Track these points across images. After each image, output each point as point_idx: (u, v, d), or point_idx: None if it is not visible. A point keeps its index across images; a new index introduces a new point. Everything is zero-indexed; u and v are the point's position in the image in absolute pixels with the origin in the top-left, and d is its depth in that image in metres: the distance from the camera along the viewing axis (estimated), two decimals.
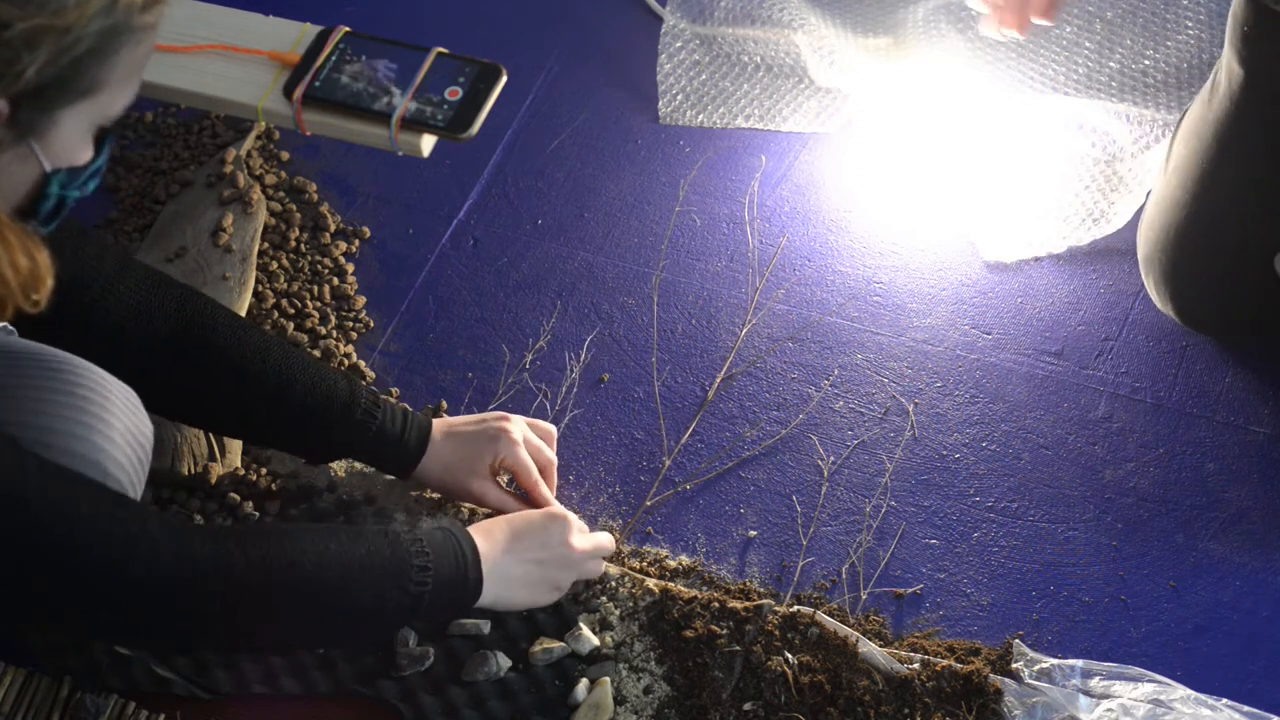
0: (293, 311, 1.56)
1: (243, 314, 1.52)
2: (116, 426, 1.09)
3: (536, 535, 1.25)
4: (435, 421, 1.34)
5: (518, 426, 1.34)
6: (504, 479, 1.36)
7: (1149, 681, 1.26)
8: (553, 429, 1.41)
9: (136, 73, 0.95)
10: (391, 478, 1.39)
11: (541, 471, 1.35)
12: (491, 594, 1.21)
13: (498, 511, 1.33)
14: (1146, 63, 1.72)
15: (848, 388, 1.51)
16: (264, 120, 1.37)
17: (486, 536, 1.22)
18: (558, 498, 1.36)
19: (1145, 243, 1.49)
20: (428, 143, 1.32)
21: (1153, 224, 1.47)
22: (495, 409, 1.49)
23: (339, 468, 1.41)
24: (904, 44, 1.77)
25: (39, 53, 0.85)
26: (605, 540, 1.31)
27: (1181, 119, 1.47)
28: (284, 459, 1.42)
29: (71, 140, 0.93)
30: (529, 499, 1.34)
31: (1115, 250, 1.60)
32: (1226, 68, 1.38)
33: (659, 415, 1.50)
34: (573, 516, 1.29)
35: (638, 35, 1.85)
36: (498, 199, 1.70)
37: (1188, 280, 1.46)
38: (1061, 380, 1.51)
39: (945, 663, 1.26)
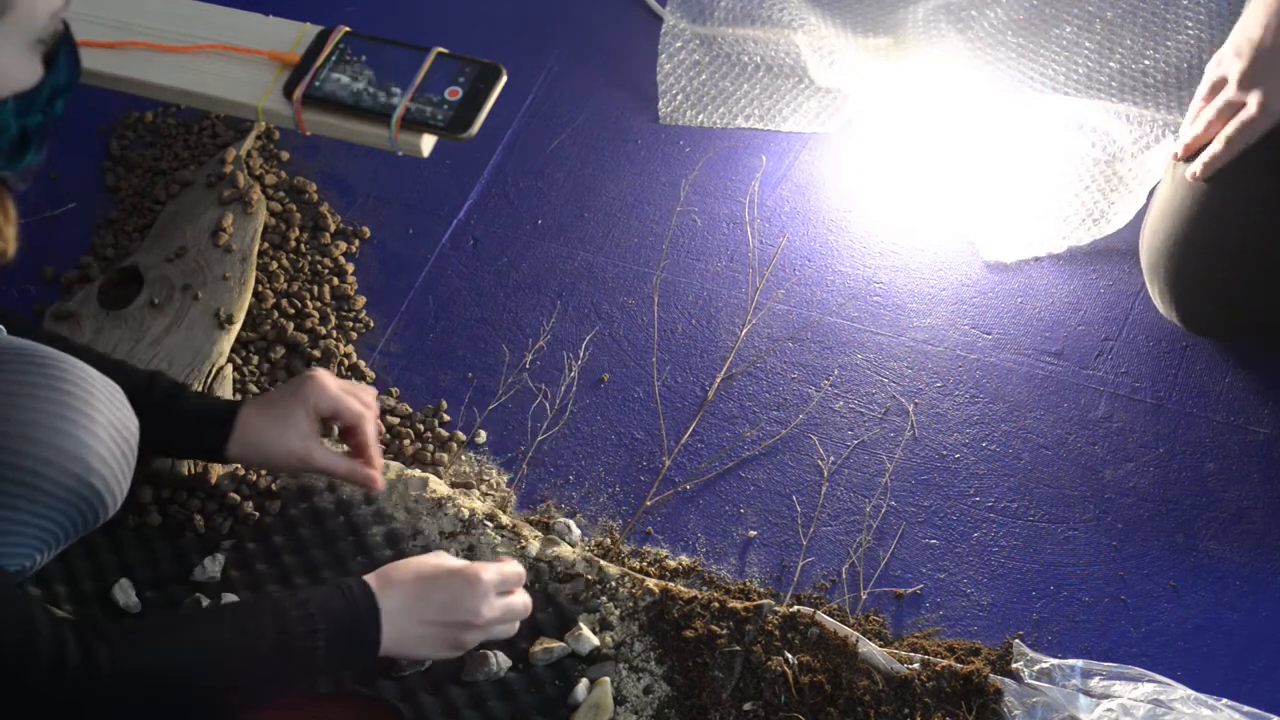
0: (293, 311, 1.56)
1: (243, 314, 1.52)
2: (100, 421, 1.09)
3: (444, 596, 1.18)
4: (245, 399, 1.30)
5: (325, 373, 1.28)
6: (332, 443, 1.32)
7: (1149, 681, 1.26)
8: (370, 387, 1.34)
9: None
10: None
11: (358, 422, 1.28)
12: (389, 647, 1.17)
13: (328, 474, 1.28)
14: (1146, 63, 1.72)
15: (848, 388, 1.51)
16: (264, 120, 1.37)
17: (388, 589, 1.17)
18: (540, 494, 1.36)
19: (1150, 249, 1.49)
20: (428, 143, 1.32)
21: (1158, 231, 1.47)
22: (495, 409, 1.50)
23: None
24: (904, 44, 1.77)
25: None
26: (519, 605, 1.23)
27: (1185, 123, 1.47)
28: None
29: (6, 65, 0.90)
30: (357, 452, 1.29)
31: (1115, 250, 1.60)
32: None
33: (659, 415, 1.50)
34: (491, 573, 1.21)
35: (638, 35, 1.85)
36: (498, 199, 1.70)
37: (1193, 287, 1.46)
38: (1061, 380, 1.51)
39: (945, 663, 1.26)
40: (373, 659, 1.17)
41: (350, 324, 1.57)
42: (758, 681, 1.25)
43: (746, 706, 1.24)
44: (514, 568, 1.24)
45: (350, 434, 1.30)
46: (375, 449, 1.30)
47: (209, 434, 1.25)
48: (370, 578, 1.18)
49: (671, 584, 1.33)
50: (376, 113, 1.31)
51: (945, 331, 1.55)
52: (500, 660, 1.27)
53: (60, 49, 0.94)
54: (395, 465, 1.42)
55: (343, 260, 1.63)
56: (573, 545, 1.38)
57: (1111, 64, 1.72)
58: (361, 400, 1.29)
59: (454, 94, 1.32)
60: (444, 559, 1.21)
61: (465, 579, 1.19)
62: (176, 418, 1.25)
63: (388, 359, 1.55)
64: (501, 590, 1.22)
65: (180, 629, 1.10)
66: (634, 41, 1.84)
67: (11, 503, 1.05)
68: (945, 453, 1.46)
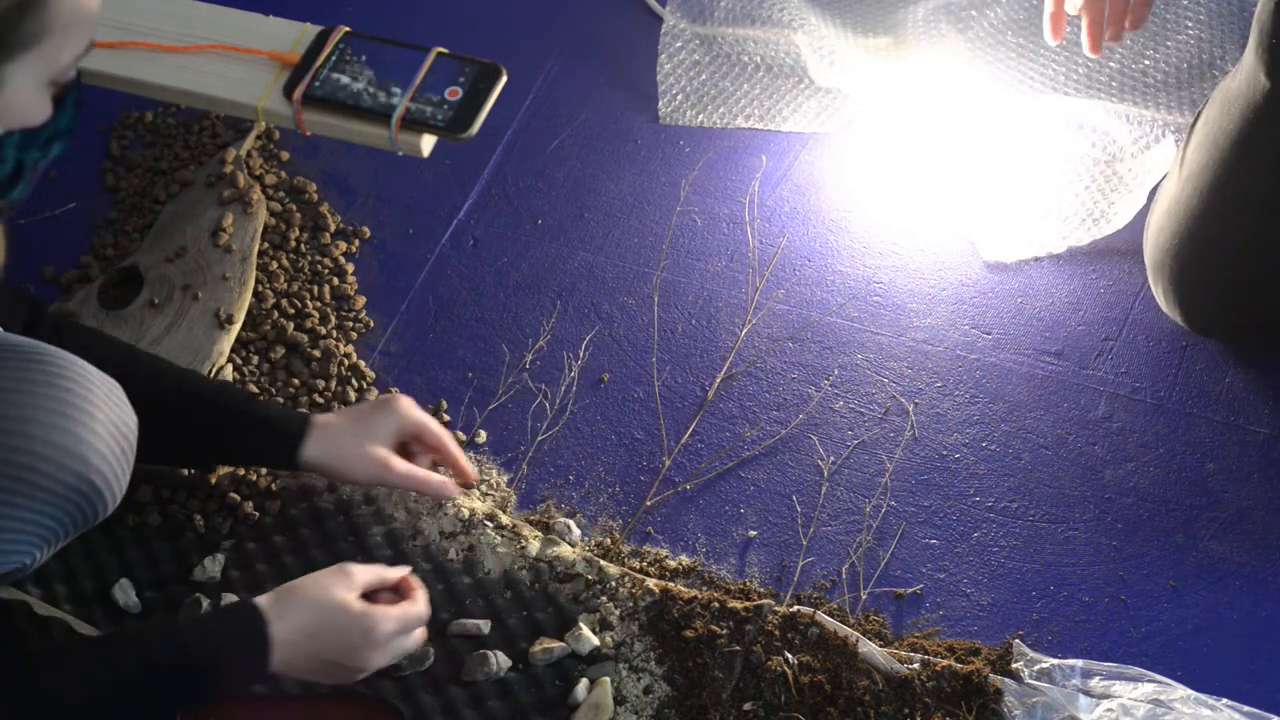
0: (293, 311, 1.56)
1: (243, 314, 1.52)
2: (99, 418, 1.09)
3: (338, 639, 1.16)
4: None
5: (407, 397, 1.31)
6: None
7: (1149, 681, 1.26)
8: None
9: (81, 19, 0.92)
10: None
11: (441, 440, 1.30)
12: (274, 669, 1.15)
13: (404, 487, 1.29)
14: (1146, 63, 1.72)
15: (848, 388, 1.51)
16: (264, 120, 1.37)
17: (283, 618, 1.14)
18: (540, 494, 1.36)
19: (1154, 248, 1.49)
20: (428, 143, 1.32)
21: (1163, 230, 1.47)
22: (495, 409, 1.50)
23: None
24: (904, 44, 1.77)
25: None
26: (410, 645, 1.22)
27: (1194, 124, 1.47)
28: None
29: (22, 98, 0.91)
30: (446, 465, 1.31)
31: (1115, 250, 1.60)
32: (1249, 77, 1.37)
33: (659, 415, 1.50)
34: (391, 624, 1.18)
35: (638, 35, 1.85)
36: (498, 199, 1.70)
37: (1197, 287, 1.46)
38: (1061, 380, 1.51)
39: (945, 663, 1.26)
40: (259, 681, 1.18)
41: (350, 324, 1.57)
42: (758, 681, 1.25)
43: (746, 706, 1.24)
44: (418, 611, 1.21)
45: (432, 453, 1.32)
46: (465, 459, 1.32)
47: (286, 438, 1.26)
48: (266, 602, 1.15)
49: (671, 584, 1.33)
50: (376, 113, 1.31)
51: (945, 331, 1.55)
52: (500, 660, 1.27)
53: (68, 94, 0.95)
54: None
55: (343, 260, 1.63)
56: (573, 545, 1.38)
57: (1111, 64, 1.72)
58: (436, 426, 1.31)
59: (454, 94, 1.32)
60: (347, 595, 1.17)
61: (363, 630, 1.16)
62: (252, 423, 1.26)
63: (388, 359, 1.55)
64: (400, 632, 1.20)
65: (61, 664, 1.09)
66: (634, 41, 1.84)
67: (10, 499, 1.05)
68: (945, 453, 1.46)
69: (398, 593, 1.23)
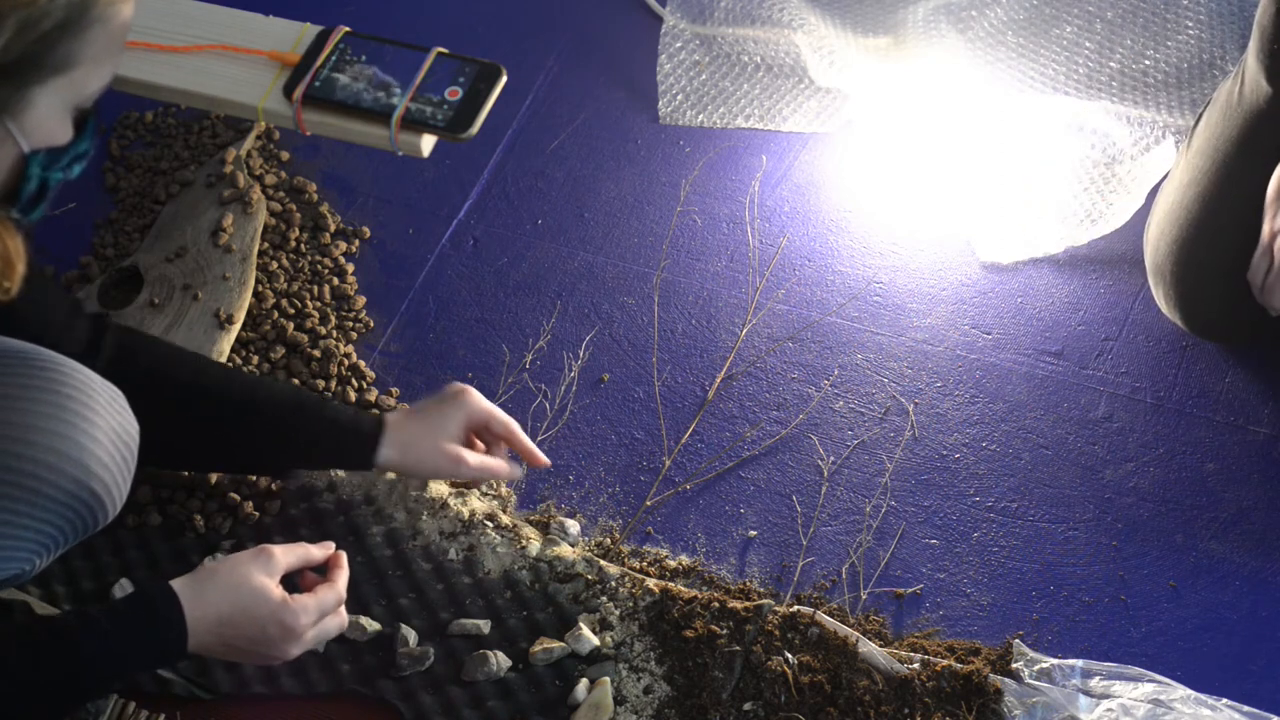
0: (293, 311, 1.56)
1: (243, 314, 1.52)
2: (101, 425, 1.09)
3: (254, 632, 1.14)
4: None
5: (473, 390, 1.32)
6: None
7: (1149, 681, 1.26)
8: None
9: (112, 50, 0.94)
10: (391, 477, 1.39)
11: (509, 429, 1.32)
12: (192, 649, 1.14)
13: (480, 475, 1.30)
14: (1146, 63, 1.72)
15: (848, 388, 1.51)
16: (264, 120, 1.37)
17: (199, 606, 1.12)
18: (540, 494, 1.36)
19: (1154, 251, 1.49)
20: (428, 143, 1.32)
21: (1164, 234, 1.47)
22: None
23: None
24: (904, 44, 1.77)
25: (5, 27, 0.85)
26: (333, 628, 1.20)
27: (1194, 128, 1.47)
28: None
29: (49, 120, 0.93)
30: (516, 454, 1.33)
31: (1115, 250, 1.60)
32: (1250, 82, 1.37)
33: (659, 415, 1.50)
34: (308, 617, 1.16)
35: (638, 35, 1.85)
36: (498, 199, 1.70)
37: (1197, 290, 1.46)
38: (1061, 380, 1.51)
39: (945, 663, 1.26)
40: (174, 664, 1.20)
41: (350, 324, 1.57)
42: (758, 681, 1.25)
43: (746, 706, 1.24)
44: (335, 595, 1.19)
45: (502, 441, 1.33)
46: (533, 445, 1.34)
47: (362, 441, 1.28)
48: (183, 586, 1.12)
49: (671, 584, 1.33)
50: (376, 113, 1.31)
51: (945, 331, 1.55)
52: (500, 660, 1.27)
53: (88, 120, 0.98)
54: None
55: (343, 260, 1.63)
56: (573, 545, 1.38)
57: (1111, 64, 1.72)
58: (503, 417, 1.33)
59: (454, 94, 1.32)
60: (266, 582, 1.15)
61: (279, 622, 1.14)
62: (328, 425, 1.27)
63: (388, 359, 1.55)
64: (318, 621, 1.18)
65: None
66: (634, 41, 1.84)
67: (11, 505, 1.05)
68: (945, 453, 1.46)
69: (325, 570, 1.22)
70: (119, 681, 1.22)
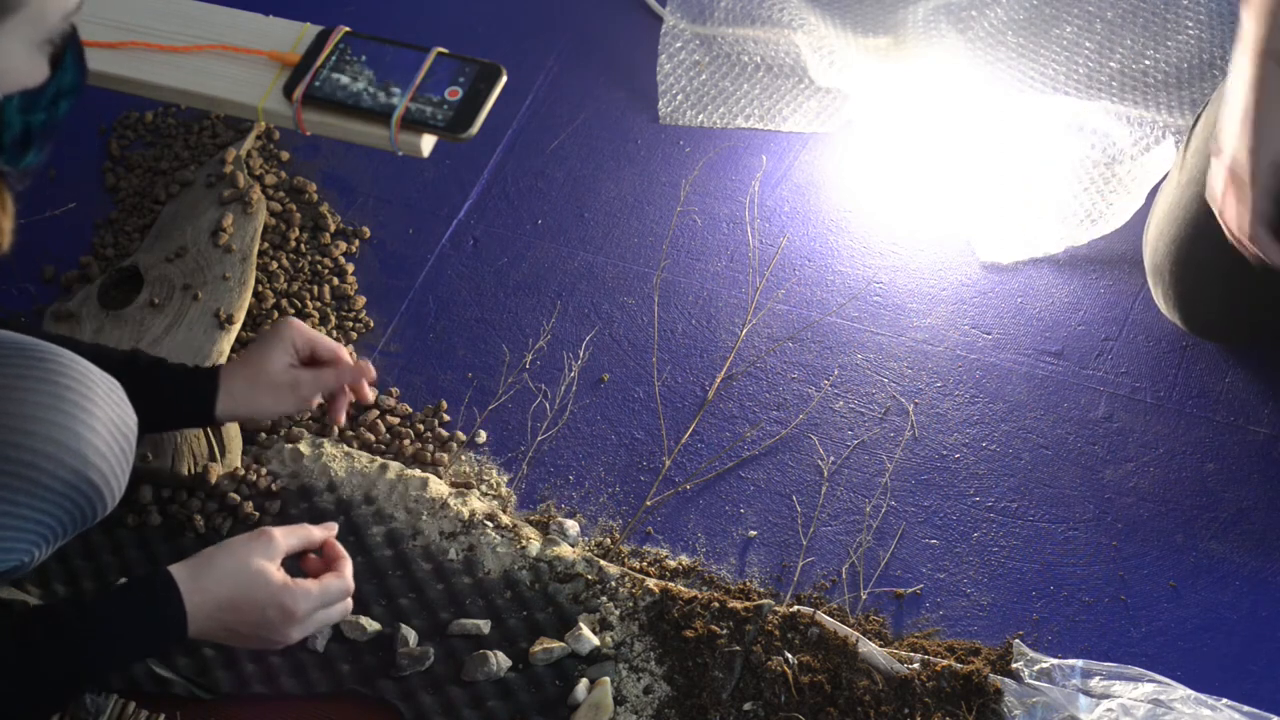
0: (293, 311, 1.56)
1: (243, 314, 1.52)
2: (99, 416, 1.09)
3: (255, 617, 1.14)
4: None
5: (296, 319, 1.31)
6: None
7: (1149, 681, 1.26)
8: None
9: None
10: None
11: (336, 353, 1.31)
12: (192, 635, 1.14)
13: (319, 396, 1.29)
14: (1147, 63, 1.72)
15: (848, 388, 1.51)
16: (264, 120, 1.37)
17: (198, 592, 1.12)
18: (540, 494, 1.35)
19: (1154, 252, 1.49)
20: (428, 143, 1.32)
21: (1163, 234, 1.47)
22: (495, 409, 1.50)
23: (339, 468, 1.41)
24: (904, 44, 1.77)
25: None
26: (336, 614, 1.20)
27: (1193, 128, 1.47)
28: (284, 458, 1.42)
29: (14, 61, 0.90)
30: (335, 368, 1.31)
31: (1115, 250, 1.60)
32: None
33: (659, 415, 1.50)
34: (310, 602, 1.16)
35: (638, 35, 1.85)
36: (498, 199, 1.70)
37: (1196, 290, 1.46)
38: (1061, 380, 1.51)
39: (945, 663, 1.26)
40: (174, 647, 1.18)
41: (350, 324, 1.57)
42: (758, 681, 1.25)
43: (746, 706, 1.24)
44: (340, 585, 1.19)
45: (331, 364, 1.31)
46: (345, 355, 1.31)
47: (198, 395, 1.26)
48: (182, 572, 1.12)
49: (671, 584, 1.33)
50: (376, 113, 1.31)
51: (945, 331, 1.55)
52: (500, 660, 1.27)
53: (67, 51, 0.94)
54: (395, 465, 1.42)
55: (343, 260, 1.63)
56: (573, 545, 1.38)
57: (1111, 64, 1.72)
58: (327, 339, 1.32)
59: (454, 94, 1.31)
60: (266, 565, 1.15)
61: (280, 605, 1.14)
62: (164, 385, 1.25)
63: (388, 359, 1.55)
64: (320, 608, 1.18)
65: None
66: (634, 41, 1.84)
67: (10, 496, 1.05)
68: (945, 453, 1.46)
69: (324, 555, 1.22)
70: (119, 667, 1.21)
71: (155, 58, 1.39)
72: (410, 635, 1.29)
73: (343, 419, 1.35)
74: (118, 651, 1.11)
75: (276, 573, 1.15)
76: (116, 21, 1.41)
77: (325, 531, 1.22)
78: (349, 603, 1.21)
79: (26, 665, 1.07)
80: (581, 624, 1.29)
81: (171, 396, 1.26)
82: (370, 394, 1.36)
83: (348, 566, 1.21)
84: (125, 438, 1.12)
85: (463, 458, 1.47)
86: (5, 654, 1.07)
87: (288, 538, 1.18)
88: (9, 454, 1.04)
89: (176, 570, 1.12)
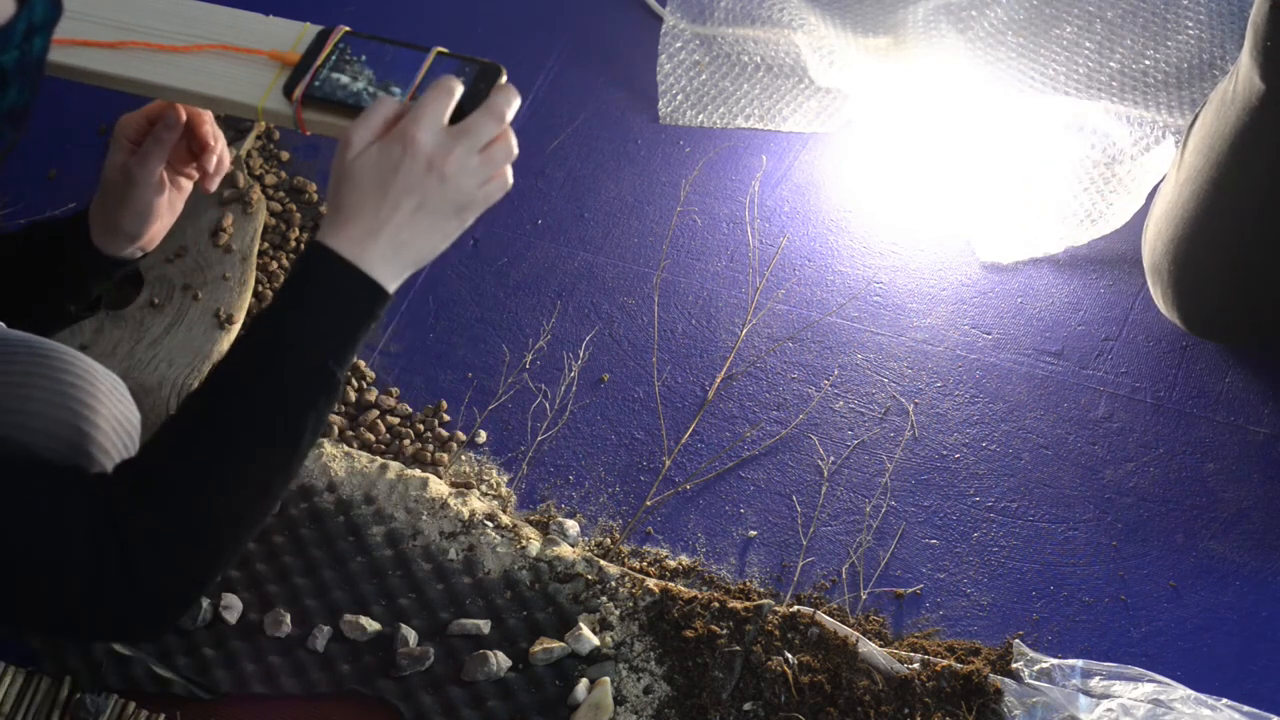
0: None
1: (243, 314, 1.52)
2: (103, 413, 1.09)
3: (394, 180, 1.05)
4: None
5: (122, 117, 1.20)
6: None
7: (1149, 681, 1.26)
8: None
9: None
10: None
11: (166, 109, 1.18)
12: (395, 272, 1.04)
13: (146, 168, 1.18)
14: (1147, 63, 1.72)
15: (848, 388, 1.51)
16: (264, 120, 1.37)
17: (341, 231, 1.03)
18: (540, 494, 1.36)
19: (1152, 251, 1.49)
20: None
21: (1161, 233, 1.47)
22: (495, 409, 1.50)
23: (339, 468, 1.41)
24: (904, 44, 1.77)
25: None
26: (501, 153, 1.08)
27: (1191, 126, 1.47)
28: None
29: None
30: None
31: (1115, 250, 1.60)
32: (1244, 80, 1.37)
33: (659, 415, 1.50)
34: (417, 119, 1.06)
35: (638, 35, 1.85)
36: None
37: (1195, 289, 1.46)
38: (1061, 380, 1.51)
39: (945, 663, 1.26)
40: (381, 304, 1.04)
41: None
42: (758, 681, 1.25)
43: (746, 706, 1.24)
44: (442, 92, 1.07)
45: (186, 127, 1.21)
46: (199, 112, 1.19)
47: (72, 237, 1.16)
48: (326, 229, 1.03)
49: (671, 584, 1.33)
50: None
51: (945, 331, 1.55)
52: (500, 660, 1.27)
53: None
54: (395, 465, 1.42)
55: None
56: (573, 545, 1.38)
57: (1111, 64, 1.72)
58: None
59: None
60: (368, 147, 1.07)
61: (404, 148, 1.06)
62: (45, 242, 1.17)
63: (388, 359, 1.55)
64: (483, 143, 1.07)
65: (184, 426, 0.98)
66: (634, 41, 1.84)
67: None
68: (945, 453, 1.46)
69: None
70: (338, 349, 1.02)
71: (155, 58, 1.38)
72: (410, 635, 1.29)
73: (209, 184, 1.21)
74: (321, 329, 1.00)
75: (389, 136, 1.06)
76: (116, 21, 1.40)
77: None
78: (512, 144, 1.09)
79: (243, 372, 0.97)
80: (581, 624, 1.29)
81: (47, 239, 1.17)
82: (211, 138, 1.22)
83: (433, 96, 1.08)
84: (129, 435, 1.12)
85: (463, 458, 1.47)
86: (215, 371, 0.98)
87: (379, 111, 1.08)
88: (14, 451, 1.04)
89: (320, 236, 1.03)
